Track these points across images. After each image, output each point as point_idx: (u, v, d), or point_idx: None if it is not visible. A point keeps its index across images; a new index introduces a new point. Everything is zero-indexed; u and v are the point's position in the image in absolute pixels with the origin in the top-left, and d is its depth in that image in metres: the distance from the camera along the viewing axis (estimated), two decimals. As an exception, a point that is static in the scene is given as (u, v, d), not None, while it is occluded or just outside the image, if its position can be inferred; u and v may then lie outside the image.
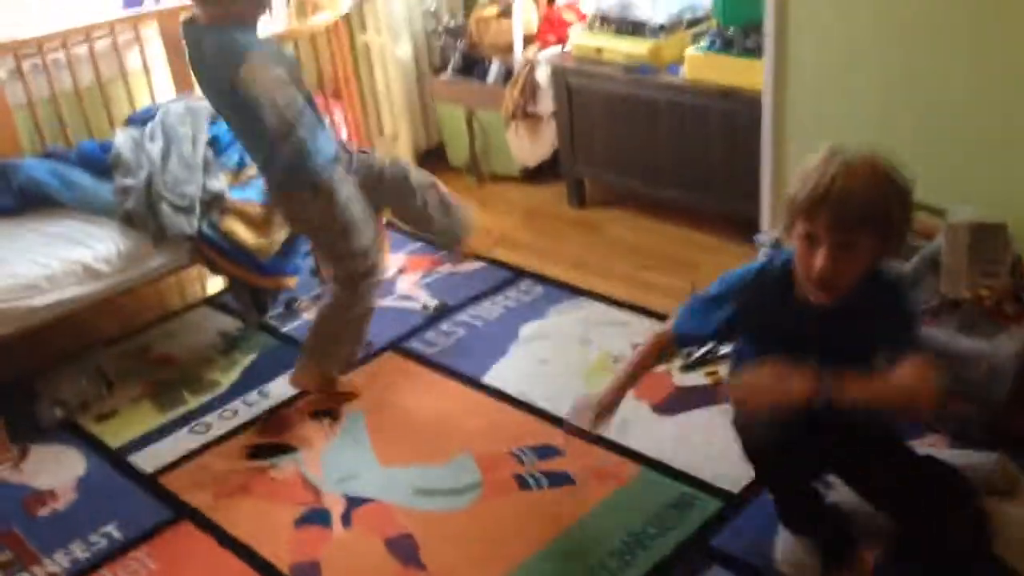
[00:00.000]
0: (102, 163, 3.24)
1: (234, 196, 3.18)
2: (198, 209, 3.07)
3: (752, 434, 2.07)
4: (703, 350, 2.93)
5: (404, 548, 2.35)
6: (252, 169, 3.27)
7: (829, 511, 2.23)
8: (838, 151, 1.77)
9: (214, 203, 3.12)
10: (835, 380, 1.78)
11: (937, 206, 2.72)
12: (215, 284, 3.72)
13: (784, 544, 2.19)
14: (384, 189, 2.95)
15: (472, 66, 4.32)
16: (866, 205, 1.72)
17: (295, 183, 2.68)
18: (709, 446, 2.57)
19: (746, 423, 2.09)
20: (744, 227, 3.44)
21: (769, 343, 1.93)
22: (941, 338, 2.43)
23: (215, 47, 2.52)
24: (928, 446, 2.45)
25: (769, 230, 3.20)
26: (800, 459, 2.04)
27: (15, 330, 2.81)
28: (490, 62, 4.25)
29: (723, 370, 2.87)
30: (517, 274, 3.57)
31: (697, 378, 2.87)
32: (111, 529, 2.51)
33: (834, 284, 1.80)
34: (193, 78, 2.76)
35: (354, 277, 2.80)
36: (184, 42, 2.63)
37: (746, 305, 1.99)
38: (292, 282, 3.31)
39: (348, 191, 2.75)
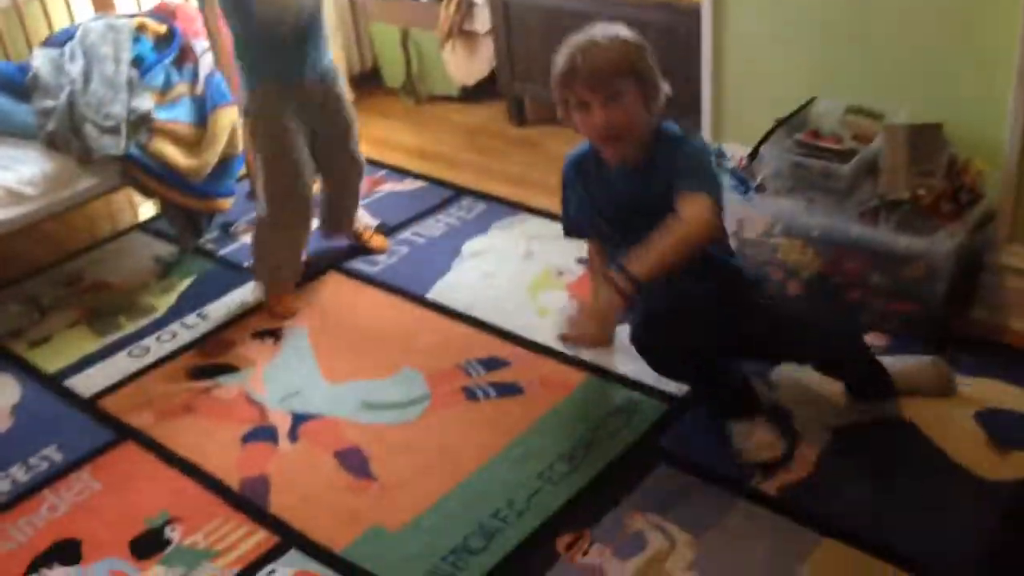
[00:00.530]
0: (19, 85, 3.11)
1: (161, 116, 3.08)
2: (124, 130, 2.96)
3: (641, 344, 2.20)
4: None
5: (354, 460, 2.34)
6: (181, 88, 3.17)
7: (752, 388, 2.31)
8: (573, 37, 2.05)
9: (141, 123, 3.02)
10: (627, 271, 1.95)
11: (875, 110, 2.74)
12: (147, 210, 3.62)
13: (738, 432, 2.22)
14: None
15: (405, -17, 4.22)
16: (610, 60, 1.99)
17: None
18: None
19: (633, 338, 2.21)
20: (684, 139, 3.44)
21: (601, 214, 2.21)
22: (880, 238, 2.47)
23: None
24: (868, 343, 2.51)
25: (711, 141, 3.20)
26: (686, 341, 2.15)
27: (-62, 256, 2.71)
28: (423, -21, 4.16)
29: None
30: (458, 192, 3.53)
31: (640, 287, 2.88)
32: (51, 452, 2.45)
33: (617, 134, 2.05)
34: None
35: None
36: None
37: (575, 185, 2.26)
38: (226, 204, 3.24)
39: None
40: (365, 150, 3.18)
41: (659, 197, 2.04)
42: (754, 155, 2.73)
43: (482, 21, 3.98)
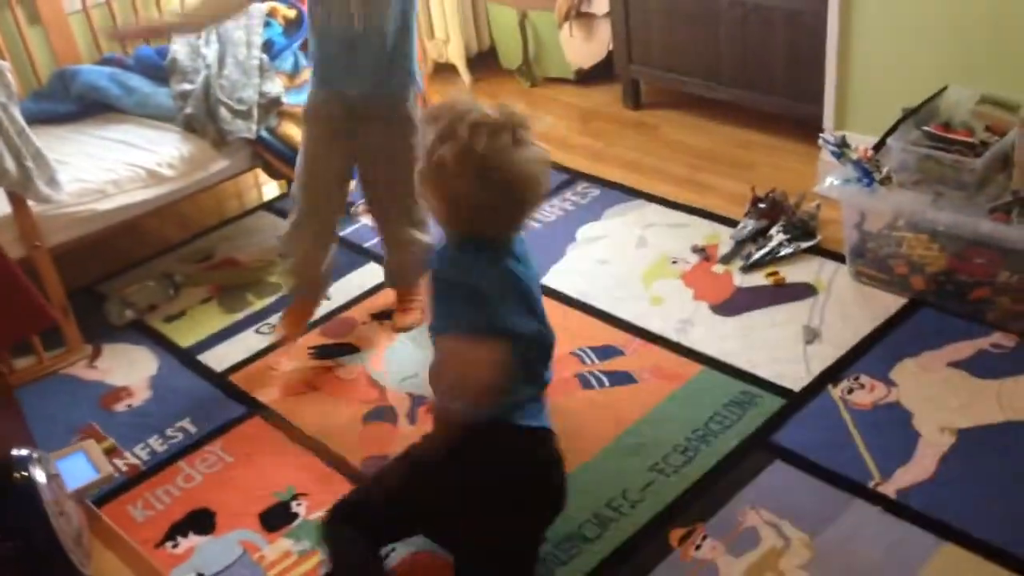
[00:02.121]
0: (159, 69, 3.25)
1: (290, 100, 3.18)
2: (256, 113, 3.07)
3: None
4: (763, 251, 2.91)
5: (470, 443, 2.39)
6: (307, 72, 3.26)
7: None
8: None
9: (271, 107, 3.12)
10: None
11: (1010, 101, 2.65)
12: (271, 189, 3.75)
13: None
14: None
15: (524, -35, 4.23)
16: None
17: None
18: (769, 345, 2.58)
19: None
20: (803, 128, 3.39)
21: None
22: (1011, 235, 2.40)
23: None
24: (995, 343, 2.45)
25: (833, 129, 3.14)
26: None
27: (82, 234, 2.86)
28: (543, -40, 4.16)
29: (784, 270, 2.86)
30: (573, 176, 3.55)
31: (758, 279, 2.86)
32: (185, 424, 2.59)
33: None
34: None
35: None
36: None
37: None
38: (350, 186, 3.32)
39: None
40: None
41: None
42: (880, 146, 2.67)
43: (600, 3, 3.97)
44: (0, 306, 1.63)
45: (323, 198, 2.69)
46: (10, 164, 2.53)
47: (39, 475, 1.49)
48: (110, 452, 2.49)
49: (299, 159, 2.68)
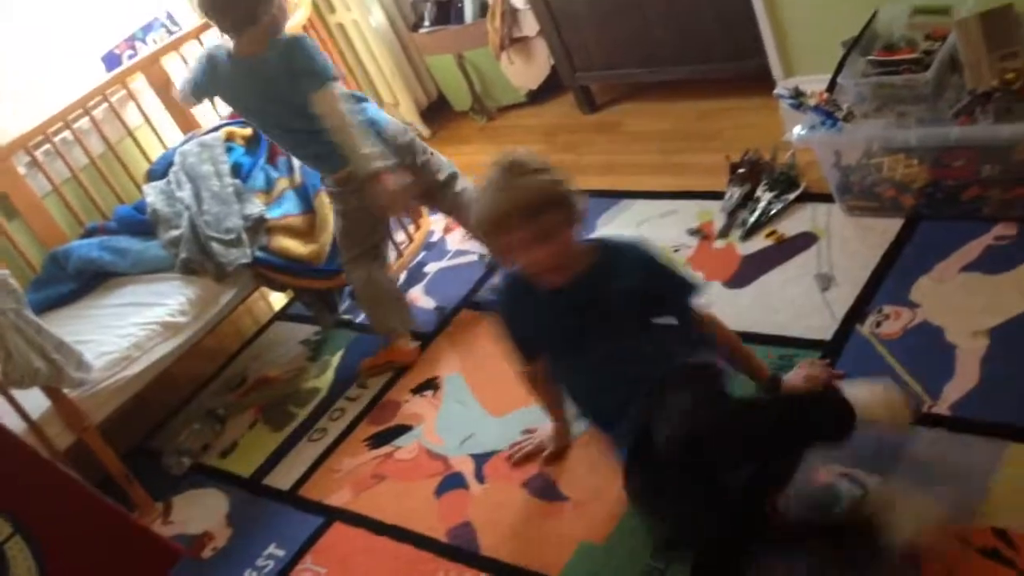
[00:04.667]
0: (143, 224, 3.35)
1: (273, 215, 3.27)
2: (246, 237, 3.17)
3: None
4: (756, 214, 2.98)
5: (542, 486, 2.47)
6: (282, 184, 3.35)
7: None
8: (489, 179, 2.05)
9: (258, 227, 3.21)
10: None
11: (940, 4, 2.72)
12: (278, 298, 3.85)
13: (859, 392, 2.06)
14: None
15: (446, 11, 4.33)
16: (526, 202, 1.99)
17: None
18: (789, 304, 2.64)
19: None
20: (756, 82, 3.45)
21: (554, 346, 2.23)
22: (982, 133, 2.46)
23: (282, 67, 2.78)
24: (998, 235, 2.51)
25: (785, 80, 3.21)
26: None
27: (121, 402, 2.96)
28: (462, 2, 4.25)
29: (781, 227, 2.93)
30: (556, 197, 3.61)
31: (759, 242, 2.93)
32: (272, 550, 2.67)
33: (560, 263, 2.07)
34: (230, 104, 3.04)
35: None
36: (233, 74, 2.85)
37: (513, 318, 2.25)
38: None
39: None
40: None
41: (618, 295, 2.11)
42: (833, 86, 2.74)
43: (530, 25, 4.06)
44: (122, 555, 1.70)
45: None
46: (39, 363, 2.62)
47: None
48: (213, 598, 2.58)
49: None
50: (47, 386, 2.71)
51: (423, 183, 3.03)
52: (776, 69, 3.26)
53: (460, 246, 3.61)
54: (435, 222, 3.78)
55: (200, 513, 2.94)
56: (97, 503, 2.23)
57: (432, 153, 3.11)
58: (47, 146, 3.51)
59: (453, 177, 3.14)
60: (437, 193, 3.13)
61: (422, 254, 3.65)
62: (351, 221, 3.07)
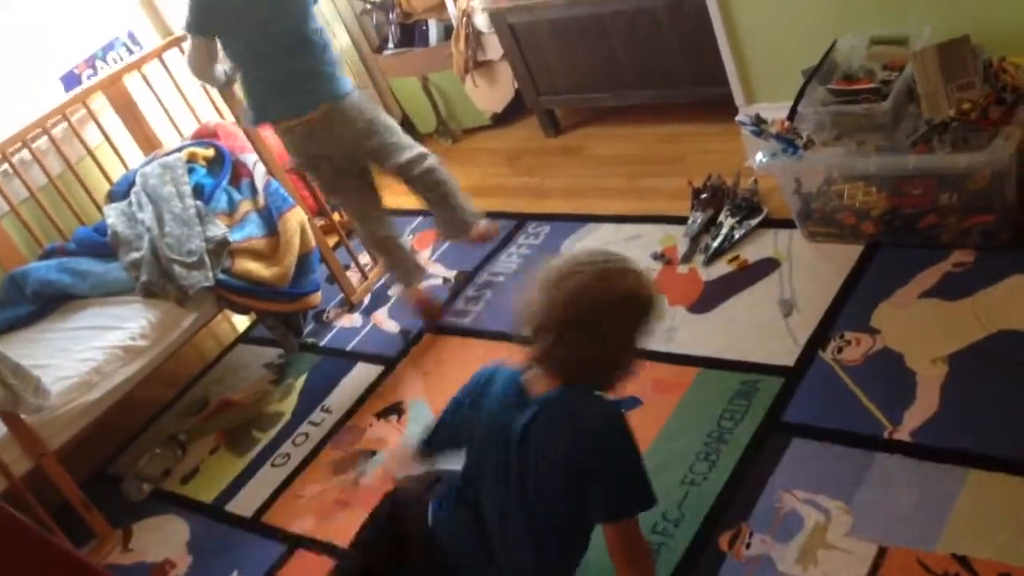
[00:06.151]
0: (103, 246, 3.30)
1: (236, 238, 3.24)
2: (208, 260, 3.14)
3: None
4: (719, 240, 3.01)
5: (507, 512, 2.46)
6: (245, 206, 3.33)
7: None
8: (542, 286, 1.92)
9: (220, 250, 3.18)
10: None
11: (898, 35, 2.77)
12: (241, 320, 3.81)
13: None
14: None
15: (411, 34, 4.34)
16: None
17: None
18: (753, 329, 2.67)
19: None
20: (719, 108, 3.49)
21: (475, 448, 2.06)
22: (939, 163, 2.51)
23: None
24: (956, 262, 2.55)
25: (747, 107, 3.25)
26: None
27: (80, 428, 2.91)
28: (427, 25, 4.27)
29: (743, 252, 2.96)
30: (521, 220, 3.64)
31: (722, 267, 2.96)
32: (236, 578, 2.65)
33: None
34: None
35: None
36: None
37: (473, 396, 2.15)
38: (316, 299, 3.39)
39: None
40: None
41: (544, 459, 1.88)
42: (793, 115, 2.78)
43: (494, 48, 4.08)
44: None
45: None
46: (-5, 389, 2.58)
47: None
48: (173, 628, 2.54)
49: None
50: (3, 411, 2.67)
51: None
52: (738, 96, 3.30)
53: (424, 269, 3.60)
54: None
55: (160, 540, 2.90)
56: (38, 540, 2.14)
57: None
58: (5, 166, 3.46)
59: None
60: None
61: (387, 276, 3.64)
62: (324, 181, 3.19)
